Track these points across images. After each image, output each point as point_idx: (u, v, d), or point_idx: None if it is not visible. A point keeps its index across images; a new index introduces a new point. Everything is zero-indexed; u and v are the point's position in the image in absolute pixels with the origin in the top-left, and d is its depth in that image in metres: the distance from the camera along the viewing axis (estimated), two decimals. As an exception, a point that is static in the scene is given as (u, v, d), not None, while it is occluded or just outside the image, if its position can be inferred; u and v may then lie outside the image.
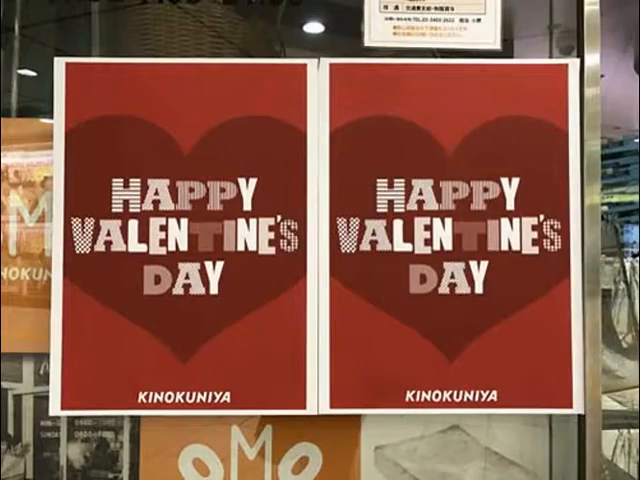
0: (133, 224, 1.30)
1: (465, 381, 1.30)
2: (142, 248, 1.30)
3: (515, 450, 1.40)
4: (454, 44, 1.34)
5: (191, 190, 1.31)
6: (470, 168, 1.32)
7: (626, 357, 2.49)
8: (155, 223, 1.30)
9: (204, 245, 1.30)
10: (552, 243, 1.31)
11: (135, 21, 1.59)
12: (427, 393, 1.30)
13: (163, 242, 1.30)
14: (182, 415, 1.30)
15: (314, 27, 2.20)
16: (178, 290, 1.30)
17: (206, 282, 1.30)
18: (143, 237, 1.30)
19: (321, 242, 1.30)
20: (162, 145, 1.31)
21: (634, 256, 3.51)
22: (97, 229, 1.30)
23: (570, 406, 1.31)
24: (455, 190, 1.32)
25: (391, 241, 1.31)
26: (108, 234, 1.30)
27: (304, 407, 1.29)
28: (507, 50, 1.35)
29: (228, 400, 1.29)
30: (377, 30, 1.33)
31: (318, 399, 1.29)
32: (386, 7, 1.33)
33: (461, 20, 1.33)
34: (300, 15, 2.08)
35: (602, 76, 1.33)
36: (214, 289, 1.30)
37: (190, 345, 1.29)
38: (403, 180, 1.32)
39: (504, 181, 1.32)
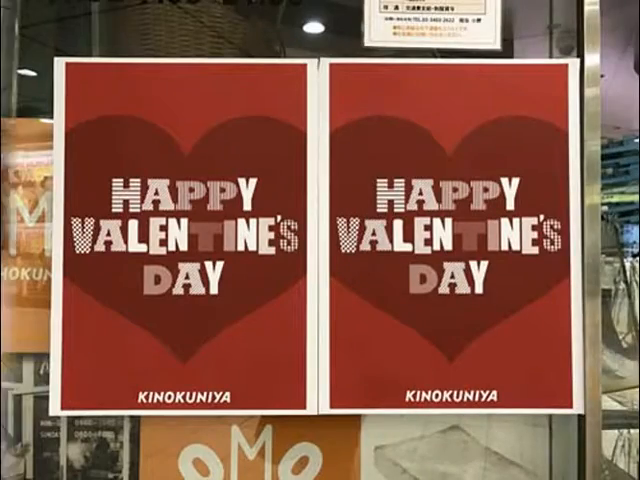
0: (133, 224, 1.30)
1: (465, 381, 1.30)
2: (142, 248, 1.30)
3: (515, 450, 1.40)
4: (454, 44, 1.34)
5: (191, 190, 1.31)
6: (470, 168, 1.32)
7: (626, 357, 2.49)
8: (155, 223, 1.30)
9: (204, 245, 1.30)
10: (552, 243, 1.31)
11: (135, 21, 1.59)
12: (427, 393, 1.30)
13: (163, 242, 1.30)
14: (182, 415, 1.30)
15: (314, 27, 2.19)
16: (178, 290, 1.30)
17: (206, 282, 1.30)
18: (143, 237, 1.30)
19: (321, 242, 1.30)
20: (162, 145, 1.31)
21: (634, 256, 3.52)
22: (97, 229, 1.30)
23: (570, 406, 1.31)
24: (455, 190, 1.32)
25: (391, 241, 1.31)
26: (108, 234, 1.30)
27: (304, 407, 1.29)
28: (507, 50, 1.34)
29: (228, 400, 1.29)
30: (377, 30, 1.33)
31: (318, 399, 1.29)
32: (386, 7, 1.33)
33: (461, 20, 1.33)
34: (300, 15, 2.07)
35: (602, 76, 1.33)
36: (214, 289, 1.30)
37: (190, 345, 1.29)
38: (403, 180, 1.32)
39: (504, 181, 1.32)
